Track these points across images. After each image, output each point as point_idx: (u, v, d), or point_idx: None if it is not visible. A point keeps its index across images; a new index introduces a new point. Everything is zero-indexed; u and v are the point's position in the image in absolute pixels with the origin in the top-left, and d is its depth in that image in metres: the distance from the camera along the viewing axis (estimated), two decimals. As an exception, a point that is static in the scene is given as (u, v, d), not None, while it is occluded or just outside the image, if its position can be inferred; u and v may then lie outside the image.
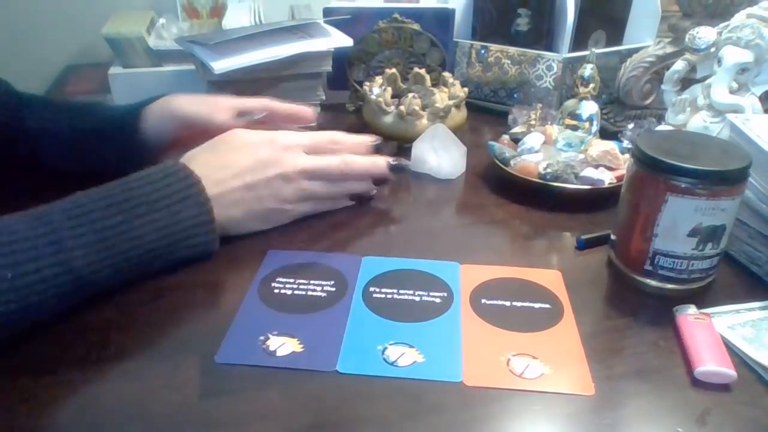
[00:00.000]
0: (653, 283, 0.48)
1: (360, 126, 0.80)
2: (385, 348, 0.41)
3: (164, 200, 0.46)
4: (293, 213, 0.55)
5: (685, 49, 0.64)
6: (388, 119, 0.72)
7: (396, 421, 0.36)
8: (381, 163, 0.57)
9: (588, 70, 0.63)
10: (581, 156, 0.64)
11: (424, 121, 0.71)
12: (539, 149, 0.66)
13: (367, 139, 0.59)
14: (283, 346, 0.41)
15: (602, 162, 0.63)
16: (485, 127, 0.83)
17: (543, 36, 0.84)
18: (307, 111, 0.64)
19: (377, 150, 0.59)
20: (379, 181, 0.60)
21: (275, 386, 0.38)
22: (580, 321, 0.44)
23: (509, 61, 0.85)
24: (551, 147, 0.66)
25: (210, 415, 0.36)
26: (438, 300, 0.46)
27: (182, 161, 0.49)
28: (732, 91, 0.60)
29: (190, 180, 0.47)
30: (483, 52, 0.87)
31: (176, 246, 0.47)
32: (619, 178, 0.60)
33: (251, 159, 0.51)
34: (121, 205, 0.44)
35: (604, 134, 0.71)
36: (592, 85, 0.63)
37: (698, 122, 0.61)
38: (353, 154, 0.57)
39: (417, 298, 0.46)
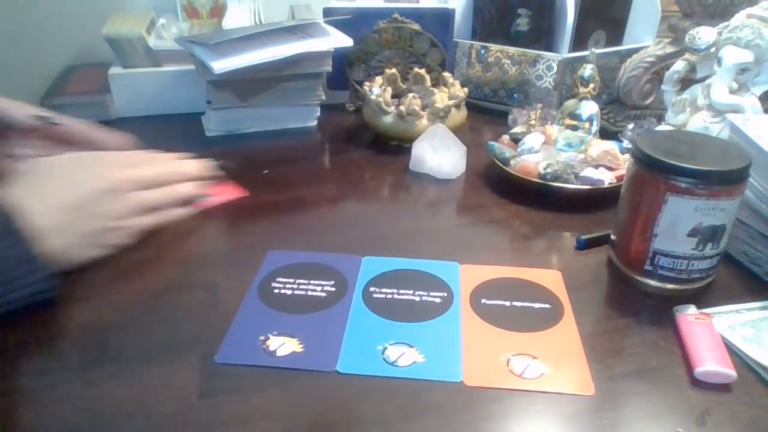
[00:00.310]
0: (653, 283, 0.48)
1: (360, 126, 0.80)
2: (385, 348, 0.41)
3: None
4: (130, 229, 0.51)
5: (685, 49, 0.64)
6: (388, 119, 0.72)
7: (396, 421, 0.36)
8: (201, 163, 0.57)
9: (588, 70, 0.63)
10: (581, 156, 0.64)
11: (424, 121, 0.71)
12: (539, 149, 0.66)
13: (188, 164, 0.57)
14: (283, 346, 0.41)
15: (602, 162, 0.63)
16: (485, 127, 0.83)
17: (543, 36, 0.84)
18: (121, 138, 0.59)
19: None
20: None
21: (275, 386, 0.38)
22: (580, 321, 0.44)
23: (509, 61, 0.85)
24: (551, 147, 0.66)
25: (210, 415, 0.36)
26: (438, 300, 0.46)
27: None
28: (732, 91, 0.60)
29: (1, 212, 0.42)
30: (483, 52, 0.87)
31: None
32: (619, 178, 0.60)
33: (74, 180, 0.48)
34: None
35: (604, 134, 0.71)
36: (592, 85, 0.63)
37: (698, 122, 0.61)
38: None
39: (417, 298, 0.46)
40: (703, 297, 0.47)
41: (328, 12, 0.83)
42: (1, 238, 0.41)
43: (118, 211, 0.49)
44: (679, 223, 0.45)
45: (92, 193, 0.48)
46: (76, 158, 0.51)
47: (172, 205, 0.55)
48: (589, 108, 0.64)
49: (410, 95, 0.72)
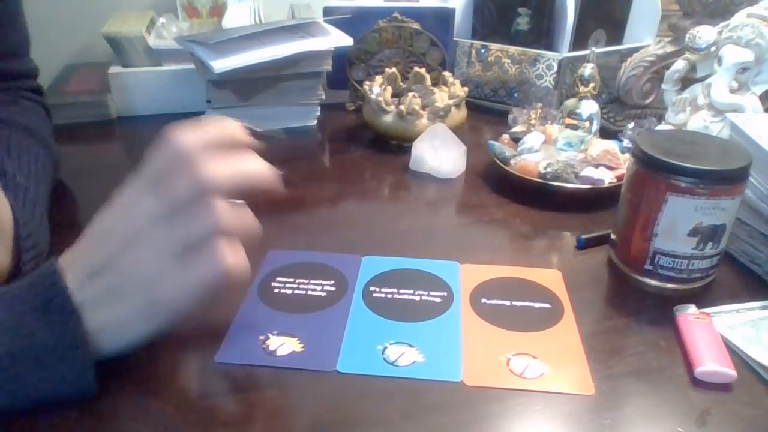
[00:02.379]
0: (653, 282, 0.48)
1: (360, 125, 0.80)
2: (385, 348, 0.41)
3: (13, 320, 0.33)
4: (202, 272, 0.34)
5: (685, 49, 0.64)
6: (388, 118, 0.72)
7: (396, 421, 0.36)
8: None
9: (588, 69, 0.63)
10: (581, 155, 0.64)
11: (424, 120, 0.71)
12: (539, 149, 0.66)
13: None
14: (283, 345, 0.41)
15: (602, 161, 0.63)
16: (485, 126, 0.82)
17: (543, 35, 0.84)
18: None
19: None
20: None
21: (275, 386, 0.38)
22: (580, 321, 0.44)
23: (509, 61, 0.85)
24: (551, 146, 0.66)
25: (210, 415, 0.36)
26: (438, 299, 0.46)
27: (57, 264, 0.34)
28: (732, 91, 0.60)
29: (56, 288, 0.33)
30: (483, 51, 0.87)
31: (23, 381, 0.33)
32: (619, 178, 0.60)
33: (110, 228, 0.35)
34: None
35: (604, 134, 0.71)
36: (592, 85, 0.63)
37: (698, 122, 0.61)
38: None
39: (417, 298, 0.46)
40: (703, 296, 0.47)
41: (328, 11, 0.83)
42: (46, 313, 0.33)
43: (167, 250, 0.34)
44: (679, 223, 0.45)
45: (125, 235, 0.34)
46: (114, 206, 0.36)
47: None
48: (589, 107, 0.64)
49: (410, 94, 0.72)
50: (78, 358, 0.34)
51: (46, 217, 0.49)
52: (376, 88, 0.75)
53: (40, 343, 0.32)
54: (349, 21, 0.81)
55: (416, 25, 0.82)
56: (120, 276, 0.34)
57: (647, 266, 0.47)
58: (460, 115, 0.74)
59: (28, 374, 0.33)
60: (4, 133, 0.49)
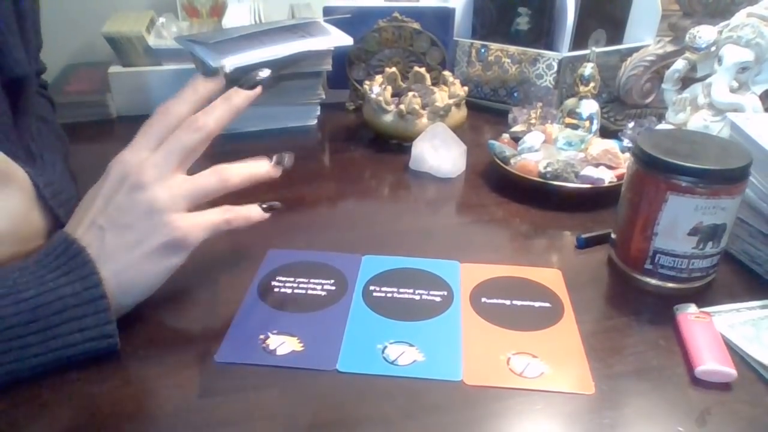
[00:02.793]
0: (653, 281, 0.48)
1: (360, 125, 0.80)
2: (385, 347, 0.41)
3: (37, 279, 0.37)
4: (185, 227, 0.41)
5: (685, 48, 0.64)
6: (388, 118, 0.72)
7: (396, 420, 0.36)
8: (263, 164, 0.46)
9: (588, 69, 0.63)
10: (581, 155, 0.64)
11: (424, 120, 0.71)
12: (539, 148, 0.65)
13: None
14: (283, 344, 0.41)
15: (602, 161, 0.63)
16: (485, 125, 0.83)
17: (543, 35, 0.84)
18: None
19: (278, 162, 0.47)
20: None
21: (275, 385, 0.38)
22: (581, 320, 0.44)
23: (509, 60, 0.85)
24: (551, 146, 0.66)
25: (210, 414, 0.36)
26: (438, 299, 0.46)
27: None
28: (732, 90, 0.60)
29: (72, 250, 0.38)
30: (483, 50, 0.87)
31: (53, 332, 0.37)
32: (620, 177, 0.60)
33: (98, 194, 0.41)
34: None
35: (605, 133, 0.71)
36: (592, 84, 0.63)
37: (699, 121, 0.60)
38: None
39: (417, 297, 0.46)
40: (703, 296, 0.47)
41: (328, 11, 0.83)
42: (67, 273, 0.37)
43: (152, 204, 0.40)
44: (679, 222, 0.45)
45: (120, 197, 0.40)
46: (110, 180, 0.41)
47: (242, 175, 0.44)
48: (589, 107, 0.64)
49: (410, 94, 0.72)
50: (99, 308, 0.38)
51: (68, 174, 0.55)
52: (376, 88, 0.75)
53: (64, 297, 0.37)
54: (349, 21, 0.81)
55: (416, 25, 0.82)
56: (121, 234, 0.40)
57: (647, 265, 0.47)
58: (460, 114, 0.74)
59: (56, 327, 0.37)
60: (30, 120, 0.55)
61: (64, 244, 0.38)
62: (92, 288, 0.37)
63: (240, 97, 0.45)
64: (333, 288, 0.47)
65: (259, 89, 0.46)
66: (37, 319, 0.36)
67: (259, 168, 0.45)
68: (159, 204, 0.40)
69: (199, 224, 0.41)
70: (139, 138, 0.43)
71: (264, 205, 0.46)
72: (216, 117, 0.44)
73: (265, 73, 0.46)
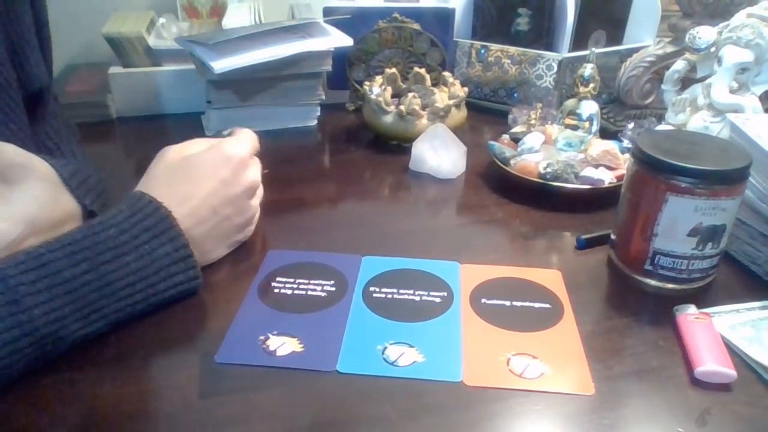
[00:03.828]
0: (653, 282, 0.48)
1: (360, 125, 0.80)
2: (385, 348, 0.41)
3: (133, 241, 0.42)
4: (251, 226, 0.53)
5: (685, 49, 0.64)
6: (388, 119, 0.72)
7: (396, 421, 0.36)
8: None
9: (588, 69, 0.63)
10: (581, 156, 0.64)
11: (424, 120, 0.71)
12: (539, 149, 0.66)
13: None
14: (283, 345, 0.41)
15: (602, 162, 0.63)
16: (485, 126, 0.83)
17: (543, 35, 0.84)
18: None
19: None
20: None
21: (275, 386, 0.38)
22: (580, 321, 0.44)
23: (509, 61, 0.85)
24: (551, 146, 0.66)
25: (210, 415, 0.36)
26: (438, 300, 0.46)
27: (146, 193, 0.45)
28: (732, 91, 0.60)
29: (160, 214, 0.44)
30: (483, 51, 0.87)
31: (154, 289, 0.43)
32: (619, 178, 0.60)
33: (213, 182, 0.48)
34: (84, 252, 0.39)
35: (604, 134, 0.71)
36: (592, 85, 0.63)
37: (698, 122, 0.61)
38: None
39: (417, 298, 0.46)
40: (703, 297, 0.47)
41: (328, 11, 0.83)
42: (157, 238, 0.43)
43: (247, 212, 0.51)
44: (679, 223, 0.45)
45: (230, 196, 0.49)
46: (214, 155, 0.49)
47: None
48: (589, 107, 0.64)
49: (410, 95, 0.72)
50: (189, 265, 0.44)
51: (86, 161, 0.58)
52: (376, 89, 0.75)
53: (159, 256, 0.43)
54: (349, 21, 0.81)
55: (416, 26, 0.82)
56: (219, 223, 0.49)
57: (647, 266, 0.47)
58: (460, 115, 0.74)
59: (156, 285, 0.43)
60: (46, 122, 0.58)
61: (150, 206, 0.44)
62: (181, 248, 0.44)
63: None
64: (333, 289, 0.47)
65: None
66: (140, 280, 0.42)
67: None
68: (254, 214, 0.53)
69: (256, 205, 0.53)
70: (252, 142, 0.53)
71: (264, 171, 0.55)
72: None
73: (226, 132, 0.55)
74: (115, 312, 0.41)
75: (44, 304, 0.37)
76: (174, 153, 0.49)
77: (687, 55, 0.65)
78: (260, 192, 0.54)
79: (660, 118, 0.71)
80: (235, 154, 0.50)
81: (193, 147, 0.50)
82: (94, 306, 0.39)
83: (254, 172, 0.52)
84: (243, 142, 0.52)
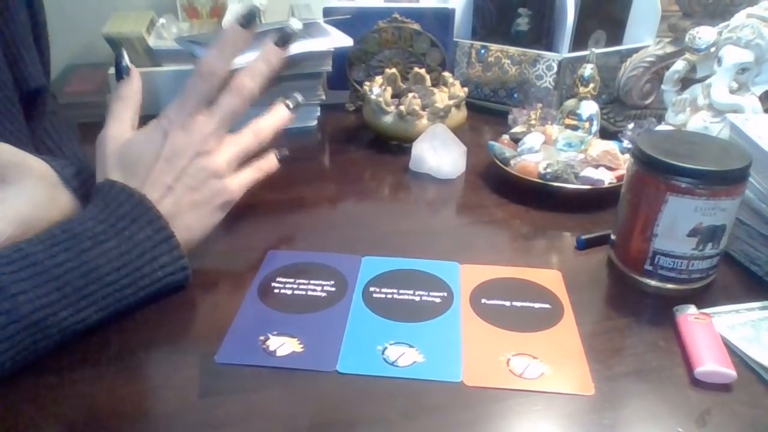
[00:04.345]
0: (653, 283, 0.48)
1: (360, 126, 0.80)
2: (385, 348, 0.41)
3: (112, 229, 0.42)
4: (235, 185, 0.49)
5: (685, 49, 0.64)
6: (388, 119, 0.72)
7: (396, 421, 0.36)
8: (282, 110, 0.55)
9: (588, 69, 0.63)
10: (581, 156, 0.64)
11: (424, 120, 0.71)
12: (539, 149, 0.66)
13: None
14: (283, 346, 0.41)
15: (602, 162, 0.63)
16: (485, 126, 0.83)
17: (543, 36, 0.84)
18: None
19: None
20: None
21: (275, 386, 0.38)
22: (580, 321, 0.44)
23: (509, 61, 0.85)
24: (551, 147, 0.66)
25: (210, 415, 0.36)
26: (438, 300, 0.46)
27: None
28: (732, 91, 0.60)
29: (134, 200, 0.43)
30: (483, 51, 0.87)
31: (140, 272, 0.42)
32: (619, 178, 0.60)
33: (161, 156, 0.46)
34: (63, 243, 0.40)
35: (604, 134, 0.71)
36: (592, 85, 0.63)
37: (698, 122, 0.61)
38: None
39: (417, 298, 0.46)
40: (703, 297, 0.47)
41: (328, 12, 0.83)
42: (136, 222, 0.43)
43: (209, 175, 0.47)
44: (679, 223, 0.45)
45: (179, 169, 0.46)
46: (153, 132, 0.47)
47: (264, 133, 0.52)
48: (589, 108, 0.64)
49: (410, 95, 0.72)
50: (171, 246, 0.44)
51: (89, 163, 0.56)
52: (376, 89, 0.75)
53: (141, 240, 0.42)
54: (349, 21, 0.81)
55: (416, 26, 0.82)
56: (188, 194, 0.47)
57: (647, 266, 0.47)
58: (460, 115, 0.74)
59: (143, 267, 0.42)
60: (44, 121, 0.58)
61: (123, 194, 0.43)
62: (161, 230, 0.43)
63: (276, 55, 0.53)
64: (333, 289, 0.47)
65: (291, 45, 0.53)
66: (125, 265, 0.41)
67: (281, 115, 0.55)
68: (221, 170, 0.48)
69: (242, 183, 0.50)
70: (190, 99, 0.47)
71: (279, 156, 0.56)
72: (258, 81, 0.51)
73: (296, 24, 0.52)
74: (103, 298, 0.40)
75: (28, 292, 0.37)
76: (111, 141, 0.48)
77: (687, 55, 0.65)
78: (236, 141, 0.50)
79: (660, 119, 0.71)
80: (166, 125, 0.46)
81: (119, 127, 0.49)
82: (81, 293, 0.39)
83: (198, 131, 0.47)
84: (174, 108, 0.47)
